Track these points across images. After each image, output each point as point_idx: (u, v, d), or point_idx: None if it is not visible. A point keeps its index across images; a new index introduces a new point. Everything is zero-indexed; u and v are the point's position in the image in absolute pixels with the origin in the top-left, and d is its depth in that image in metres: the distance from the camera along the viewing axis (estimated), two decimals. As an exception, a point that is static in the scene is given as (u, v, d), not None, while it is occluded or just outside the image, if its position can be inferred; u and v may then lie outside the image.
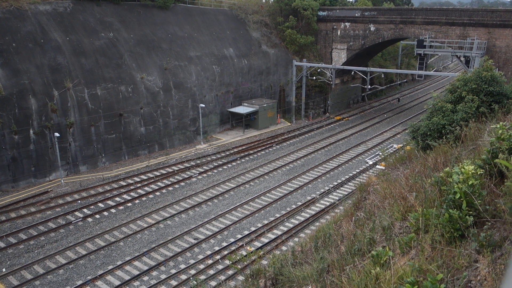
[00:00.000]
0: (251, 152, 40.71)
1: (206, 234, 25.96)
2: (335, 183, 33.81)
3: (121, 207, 29.07)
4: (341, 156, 40.53)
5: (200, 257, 23.54)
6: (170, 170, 35.56)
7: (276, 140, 44.67)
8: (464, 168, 5.22)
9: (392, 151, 37.29)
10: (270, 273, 8.18)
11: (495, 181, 5.51)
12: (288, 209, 29.45)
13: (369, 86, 50.39)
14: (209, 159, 38.50)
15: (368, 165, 37.73)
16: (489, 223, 4.66)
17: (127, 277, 21.64)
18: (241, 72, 47.77)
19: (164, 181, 33.47)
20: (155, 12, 42.50)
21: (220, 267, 22.67)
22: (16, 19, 32.01)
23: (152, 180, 33.17)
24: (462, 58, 42.28)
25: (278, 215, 28.45)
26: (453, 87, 14.05)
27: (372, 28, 50.22)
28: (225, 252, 23.95)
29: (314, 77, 52.19)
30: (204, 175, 35.12)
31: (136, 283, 21.36)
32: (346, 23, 52.40)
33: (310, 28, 53.99)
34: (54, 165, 32.40)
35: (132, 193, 31.13)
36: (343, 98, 58.87)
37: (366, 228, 7.30)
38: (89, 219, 27.36)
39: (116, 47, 37.46)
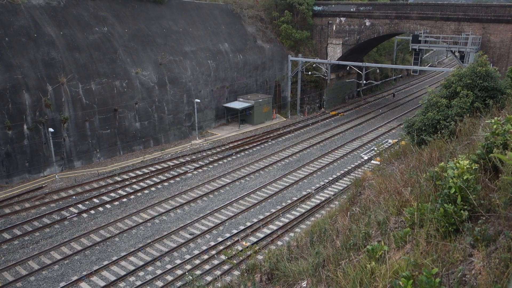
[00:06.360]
0: (247, 147, 40.69)
1: (201, 229, 25.98)
2: (331, 178, 33.91)
3: (116, 203, 28.99)
4: (336, 151, 40.62)
5: (196, 252, 23.58)
6: (165, 165, 35.48)
7: (271, 135, 44.67)
8: (459, 163, 5.24)
9: (387, 146, 37.42)
10: (266, 268, 8.20)
11: (490, 176, 5.54)
12: (284, 204, 29.51)
13: (364, 81, 50.42)
14: (204, 154, 38.45)
15: (363, 160, 37.86)
16: (484, 218, 4.68)
17: (122, 273, 21.64)
18: (236, 67, 47.63)
19: (159, 176, 33.40)
20: (149, 7, 42.19)
21: (215, 262, 22.72)
22: (9, 13, 31.65)
23: (148, 176, 33.08)
24: (457, 53, 42.40)
25: (273, 210, 28.50)
26: (448, 82, 14.10)
27: (368, 23, 50.20)
28: (221, 247, 24.00)
29: (310, 72, 52.17)
30: (200, 170, 35.08)
31: (132, 278, 21.37)
32: (342, 18, 52.33)
33: (305, 23, 53.87)
34: (48, 160, 32.22)
35: (127, 189, 31.04)
36: (338, 93, 58.91)
37: (361, 223, 7.33)
38: (84, 215, 27.27)
39: (111, 42, 37.18)
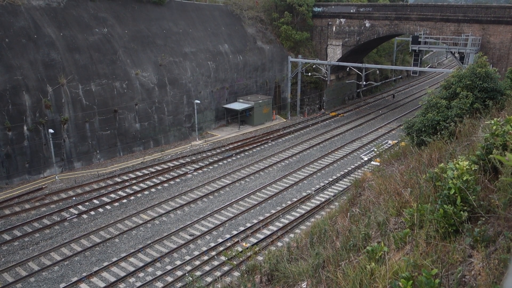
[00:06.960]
0: (247, 148, 40.69)
1: (201, 231, 25.97)
2: (330, 179, 33.90)
3: (116, 204, 28.98)
4: (336, 152, 40.63)
5: (196, 253, 23.57)
6: (165, 166, 35.48)
7: (271, 136, 44.67)
8: (458, 164, 5.25)
9: (387, 147, 37.40)
10: (266, 269, 8.20)
11: (489, 177, 5.55)
12: (284, 205, 29.50)
13: (364, 82, 50.47)
14: (204, 155, 38.45)
15: (363, 161, 37.85)
16: (483, 218, 4.69)
17: (122, 274, 21.62)
18: (236, 68, 47.66)
19: (159, 177, 33.40)
20: (149, 8, 42.23)
21: (215, 263, 22.71)
22: (9, 14, 31.67)
23: (147, 177, 33.06)
24: (456, 55, 42.45)
25: (273, 211, 28.50)
26: (448, 83, 14.11)
27: (367, 24, 50.24)
28: (221, 248, 23.98)
29: (310, 73, 52.20)
30: (200, 171, 35.07)
31: (132, 279, 21.35)
32: (341, 19, 52.38)
33: (305, 24, 53.93)
34: (48, 161, 32.21)
35: (127, 190, 31.03)
36: (338, 94, 58.93)
37: (361, 224, 7.33)
38: (84, 216, 27.26)
39: (111, 43, 37.21)
